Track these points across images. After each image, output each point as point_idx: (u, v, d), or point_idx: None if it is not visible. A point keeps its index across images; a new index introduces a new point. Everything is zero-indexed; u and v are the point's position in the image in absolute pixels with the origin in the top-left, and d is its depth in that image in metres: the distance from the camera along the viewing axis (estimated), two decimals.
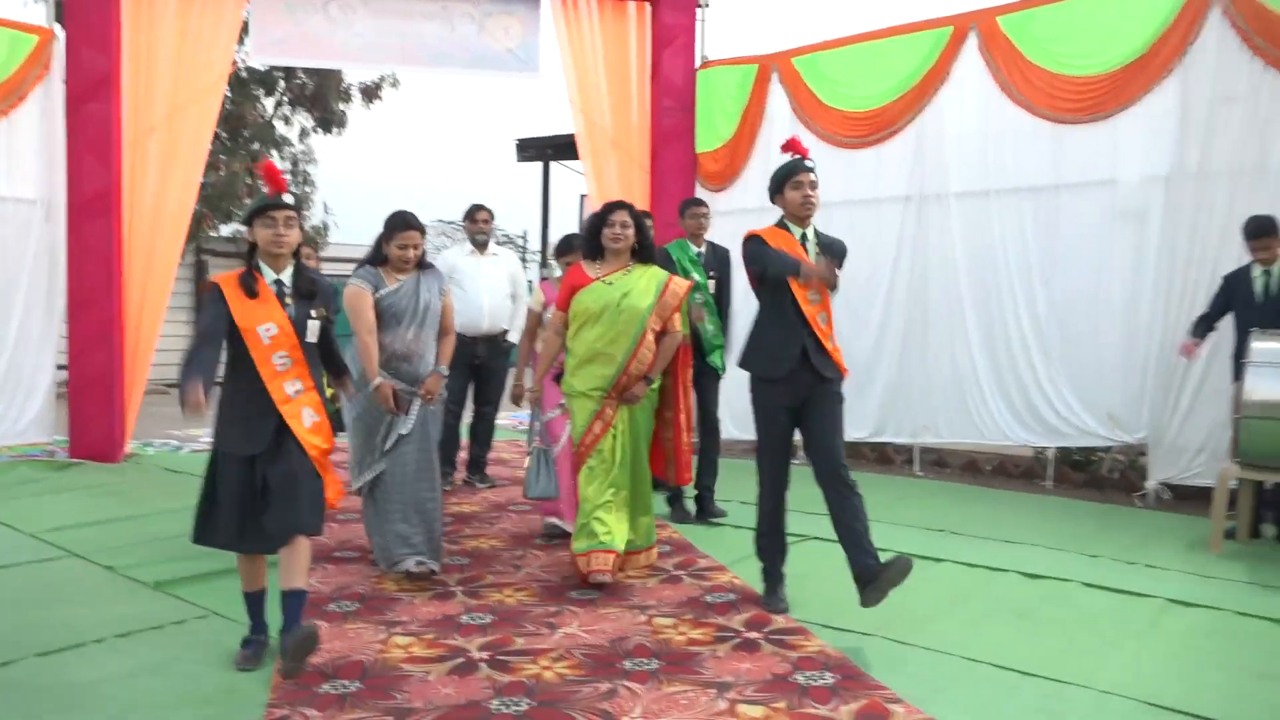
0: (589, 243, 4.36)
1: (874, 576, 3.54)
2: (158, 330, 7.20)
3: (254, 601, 3.37)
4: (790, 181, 3.87)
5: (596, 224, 4.32)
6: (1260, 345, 4.64)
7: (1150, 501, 5.97)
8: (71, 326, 6.94)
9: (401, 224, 4.19)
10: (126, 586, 4.14)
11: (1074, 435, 6.31)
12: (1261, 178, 5.49)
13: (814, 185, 3.88)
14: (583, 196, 17.53)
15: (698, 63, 7.91)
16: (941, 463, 7.18)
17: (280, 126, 13.29)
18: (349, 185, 15.08)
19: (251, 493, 3.17)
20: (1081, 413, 6.23)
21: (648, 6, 7.95)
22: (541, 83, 8.13)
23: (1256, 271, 4.97)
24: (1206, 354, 5.55)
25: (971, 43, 6.60)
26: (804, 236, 3.89)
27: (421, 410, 4.26)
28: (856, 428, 7.10)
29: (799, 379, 3.81)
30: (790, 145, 3.97)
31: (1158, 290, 5.91)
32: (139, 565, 4.37)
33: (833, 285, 3.72)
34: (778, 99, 7.54)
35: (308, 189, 13.71)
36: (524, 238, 22.46)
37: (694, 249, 5.52)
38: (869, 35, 7.11)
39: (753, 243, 3.89)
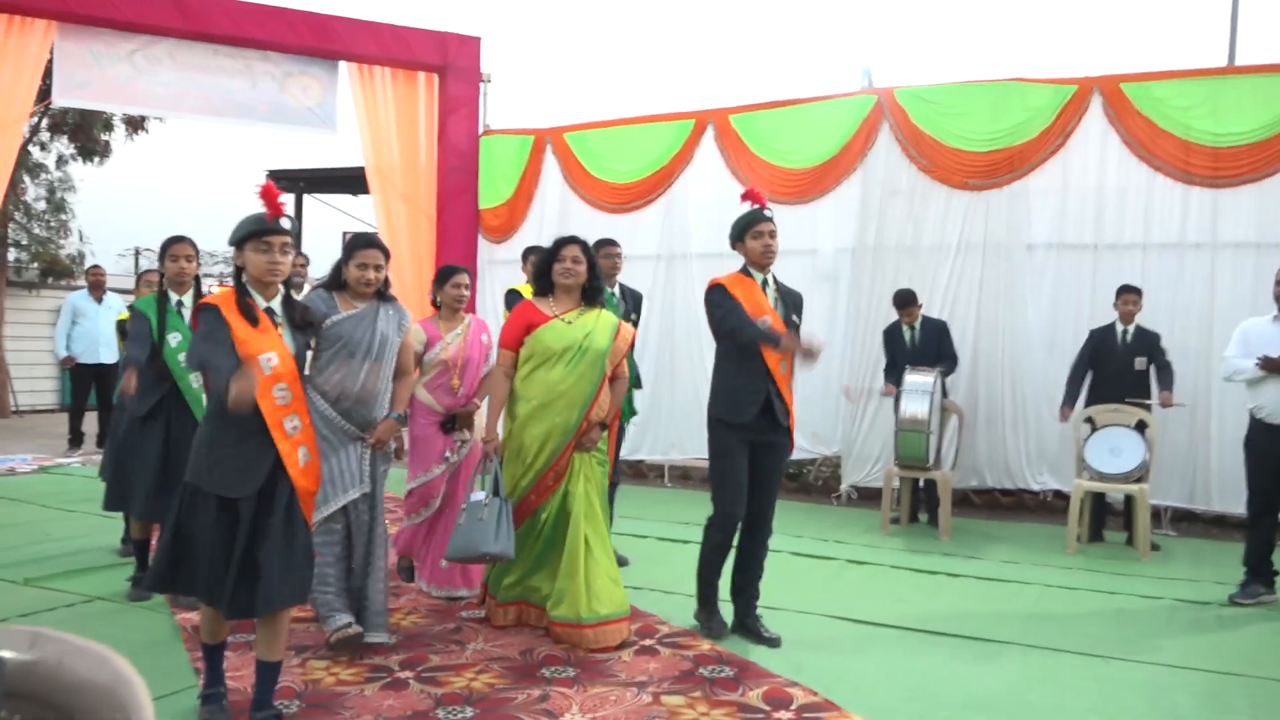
0: (539, 279, 4.20)
1: (747, 627, 4.08)
2: None
3: (214, 653, 3.13)
4: (751, 231, 4.00)
5: (547, 259, 4.16)
6: (910, 378, 6.37)
7: (844, 500, 7.65)
8: None
9: (363, 242, 3.79)
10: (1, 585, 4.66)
11: None
12: (917, 254, 7.35)
13: (773, 234, 4.00)
14: (345, 234, 18.07)
15: (481, 130, 9.05)
16: (686, 476, 8.63)
17: (36, 153, 13.00)
18: (107, 214, 14.86)
19: (231, 542, 2.88)
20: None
21: (435, 78, 9.00)
22: (338, 138, 8.92)
23: (904, 328, 6.75)
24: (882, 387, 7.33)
25: (709, 134, 8.18)
26: (764, 282, 4.06)
27: (373, 460, 3.76)
28: None
29: (759, 424, 3.98)
30: (750, 195, 4.13)
31: (847, 335, 7.63)
32: (2, 568, 4.88)
33: (811, 355, 3.89)
34: (551, 167, 8.82)
35: (64, 217, 13.47)
36: None
37: (610, 290, 5.56)
38: (629, 120, 8.56)
39: (718, 293, 4.01)
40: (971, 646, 4.08)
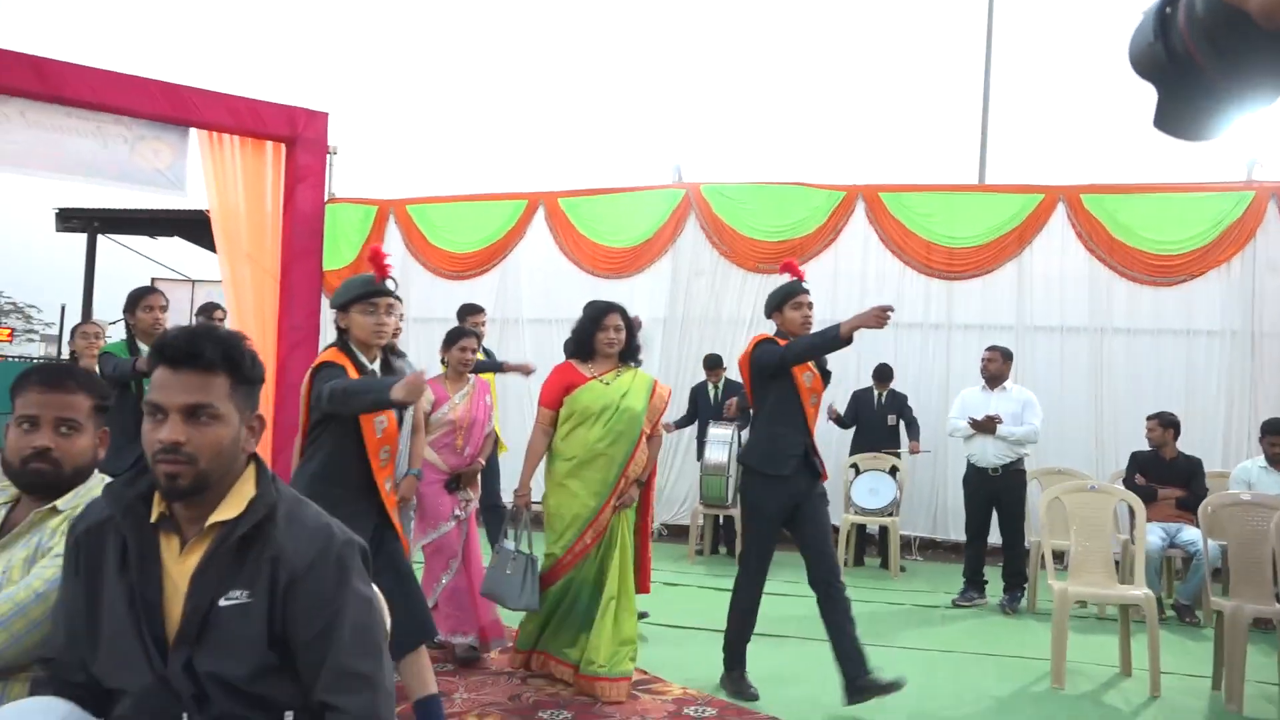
0: (580, 345, 4.27)
1: (862, 687, 3.93)
2: None
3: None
4: (791, 301, 4.13)
5: (590, 327, 4.23)
6: (713, 430, 7.61)
7: (655, 537, 8.76)
8: None
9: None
10: None
11: None
12: (718, 325, 8.67)
13: (811, 305, 4.15)
14: (154, 280, 17.86)
15: (326, 198, 9.74)
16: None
17: None
18: None
19: None
20: None
21: (284, 147, 9.63)
22: (186, 200, 9.37)
23: (709, 387, 8.02)
24: (691, 435, 8.52)
25: (540, 213, 9.25)
26: None
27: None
28: None
29: (798, 479, 4.09)
30: (788, 267, 4.29)
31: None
32: None
33: (880, 322, 3.78)
34: (393, 235, 9.63)
35: None
36: (33, 309, 21.53)
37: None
38: (468, 197, 9.52)
39: (770, 343, 4.12)
40: (762, 641, 5.21)
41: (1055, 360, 8.06)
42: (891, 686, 3.94)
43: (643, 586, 4.46)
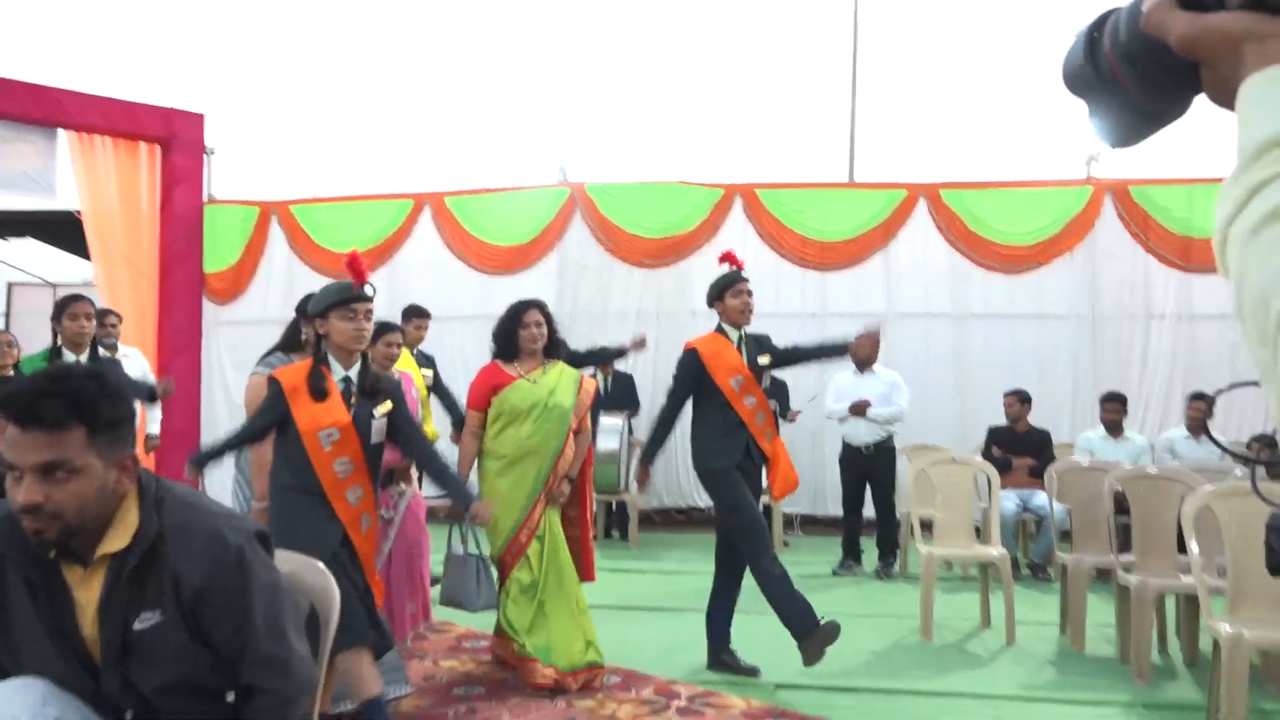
0: (503, 344, 4.31)
1: (724, 660, 4.43)
2: None
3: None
4: (731, 290, 4.30)
5: (510, 325, 4.28)
6: (605, 420, 7.89)
7: None
8: None
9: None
10: None
11: None
12: (605, 319, 8.95)
13: (750, 293, 4.32)
14: (10, 285, 17.05)
15: (205, 199, 9.59)
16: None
17: None
18: None
19: None
20: None
21: (159, 149, 9.44)
22: (55, 201, 9.11)
23: (600, 378, 8.30)
24: None
25: (427, 213, 9.35)
26: (740, 338, 4.37)
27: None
28: None
29: (745, 466, 4.32)
30: (727, 257, 4.45)
31: None
32: None
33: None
34: (276, 236, 9.57)
35: None
36: None
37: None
38: (353, 197, 9.54)
39: (687, 363, 4.35)
40: (661, 614, 5.57)
41: (920, 344, 8.64)
42: (748, 671, 4.41)
43: (587, 575, 4.52)
